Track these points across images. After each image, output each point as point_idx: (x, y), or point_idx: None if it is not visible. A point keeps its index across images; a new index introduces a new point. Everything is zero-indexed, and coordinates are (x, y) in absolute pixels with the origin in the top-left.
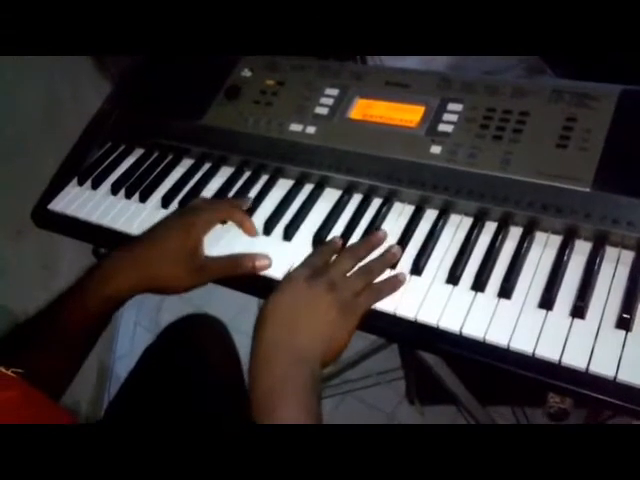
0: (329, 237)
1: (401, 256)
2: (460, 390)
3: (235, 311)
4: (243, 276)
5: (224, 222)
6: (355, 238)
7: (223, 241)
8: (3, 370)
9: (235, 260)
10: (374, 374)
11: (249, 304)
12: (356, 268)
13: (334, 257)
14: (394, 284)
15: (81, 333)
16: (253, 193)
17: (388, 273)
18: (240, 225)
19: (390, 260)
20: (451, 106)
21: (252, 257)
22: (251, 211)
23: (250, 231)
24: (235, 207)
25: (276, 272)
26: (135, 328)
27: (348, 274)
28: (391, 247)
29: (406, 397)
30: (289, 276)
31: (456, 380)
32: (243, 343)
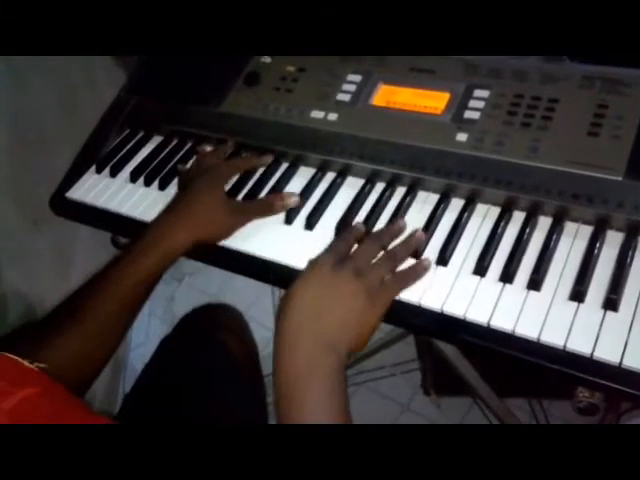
0: None
1: (426, 240)
2: (477, 382)
3: (249, 301)
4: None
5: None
6: (378, 228)
7: (246, 229)
8: (26, 364)
9: (266, 201)
10: (389, 365)
11: (263, 294)
12: (380, 254)
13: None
14: (419, 271)
15: (134, 290)
16: (274, 181)
17: (411, 262)
18: (257, 166)
19: (414, 245)
20: (477, 92)
21: (280, 196)
22: None
23: (266, 159)
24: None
25: (297, 262)
26: (149, 318)
27: (373, 261)
28: (415, 231)
29: (421, 388)
30: (314, 262)
31: (473, 371)
32: (257, 332)
